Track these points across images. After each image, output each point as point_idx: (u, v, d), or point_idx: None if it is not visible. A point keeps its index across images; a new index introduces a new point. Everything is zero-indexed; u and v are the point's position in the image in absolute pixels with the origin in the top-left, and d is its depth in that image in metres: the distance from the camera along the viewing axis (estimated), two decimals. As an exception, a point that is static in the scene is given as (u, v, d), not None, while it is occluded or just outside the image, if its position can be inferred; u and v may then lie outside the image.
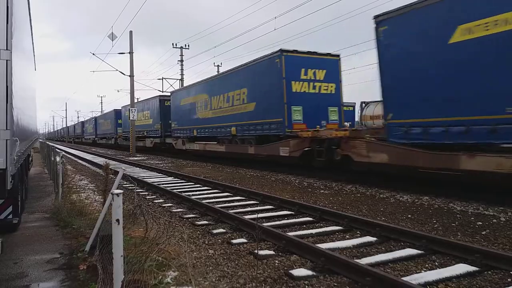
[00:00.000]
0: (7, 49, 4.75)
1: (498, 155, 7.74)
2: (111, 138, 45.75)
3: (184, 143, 24.34)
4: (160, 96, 30.47)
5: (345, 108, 17.80)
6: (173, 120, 26.48)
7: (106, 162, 7.07)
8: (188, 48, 42.11)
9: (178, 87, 38.10)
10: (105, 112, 53.11)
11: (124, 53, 30.57)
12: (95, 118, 57.98)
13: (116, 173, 5.65)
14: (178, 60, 41.77)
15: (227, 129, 18.91)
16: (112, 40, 29.66)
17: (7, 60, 4.74)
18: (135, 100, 32.12)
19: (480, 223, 6.73)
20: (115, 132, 43.84)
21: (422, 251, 5.11)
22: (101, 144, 52.50)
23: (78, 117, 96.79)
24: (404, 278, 4.08)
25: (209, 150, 21.08)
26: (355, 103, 27.35)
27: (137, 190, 9.54)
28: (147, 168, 18.48)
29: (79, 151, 38.33)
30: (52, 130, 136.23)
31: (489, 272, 4.42)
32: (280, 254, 5.17)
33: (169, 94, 29.19)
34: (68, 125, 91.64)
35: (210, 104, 20.90)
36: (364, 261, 4.70)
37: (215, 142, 20.48)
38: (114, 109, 45.10)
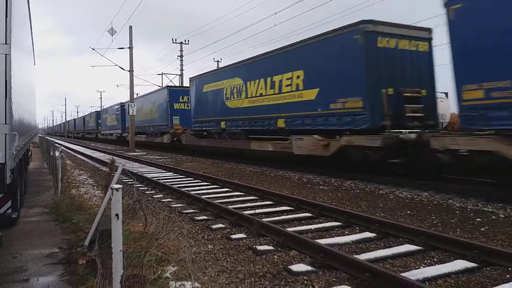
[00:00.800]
0: (6, 43, 4.73)
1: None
2: (159, 133, 28.30)
3: None
4: (363, 23, 11.06)
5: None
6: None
7: (111, 158, 7.10)
8: (188, 44, 41.91)
9: (178, 83, 37.21)
10: (147, 93, 32.76)
11: (123, 48, 30.48)
12: (121, 105, 39.09)
13: (116, 169, 5.64)
14: (178, 56, 41.70)
15: None
16: (112, 35, 29.55)
17: (6, 55, 4.72)
18: (135, 96, 31.96)
19: (479, 219, 6.74)
20: (169, 124, 26.62)
21: (421, 247, 5.12)
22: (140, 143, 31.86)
23: (77, 112, 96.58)
24: (403, 274, 4.09)
25: None
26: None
27: (136, 185, 9.55)
28: (146, 164, 18.48)
29: (79, 146, 38.32)
30: (54, 124, 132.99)
31: (488, 268, 4.43)
32: (279, 249, 5.17)
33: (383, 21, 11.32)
34: (71, 118, 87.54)
35: None
36: (363, 256, 4.71)
37: None
38: (168, 86, 30.02)
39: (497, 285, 3.99)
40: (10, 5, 4.80)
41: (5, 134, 4.70)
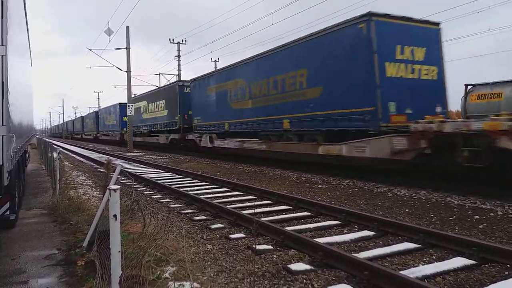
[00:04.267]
0: (2, 45, 4.72)
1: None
2: (115, 133, 41.45)
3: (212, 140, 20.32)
4: (179, 81, 26.20)
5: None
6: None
7: (107, 158, 7.10)
8: (185, 44, 41.86)
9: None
10: (110, 105, 44.31)
11: (120, 48, 30.43)
12: (96, 112, 52.12)
13: (114, 169, 5.63)
14: (175, 56, 41.65)
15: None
16: (109, 36, 29.47)
17: (2, 56, 4.71)
18: (132, 96, 31.93)
19: (478, 216, 6.76)
20: (119, 128, 38.03)
21: (420, 245, 5.13)
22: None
23: (75, 113, 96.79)
24: (402, 272, 4.10)
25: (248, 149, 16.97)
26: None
27: (135, 186, 9.54)
28: (145, 164, 18.45)
29: (77, 147, 38.22)
30: (52, 126, 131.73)
31: (486, 265, 4.44)
32: (278, 248, 5.17)
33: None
34: (69, 118, 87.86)
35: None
36: (362, 255, 4.71)
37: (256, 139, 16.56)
38: (120, 103, 38.06)
39: (496, 282, 4.00)
40: (6, 6, 4.79)
41: (2, 135, 4.69)
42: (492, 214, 6.92)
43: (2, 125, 4.69)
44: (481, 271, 4.30)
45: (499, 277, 4.14)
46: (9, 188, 5.19)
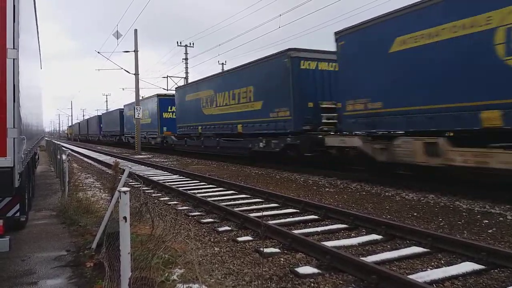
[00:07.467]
0: (14, 48, 4.78)
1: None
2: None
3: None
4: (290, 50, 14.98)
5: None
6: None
7: (115, 160, 7.15)
8: (193, 47, 42.07)
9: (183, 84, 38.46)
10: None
11: (129, 51, 30.64)
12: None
13: (122, 171, 5.67)
14: (183, 59, 41.81)
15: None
16: (117, 39, 29.74)
17: (14, 59, 4.75)
18: (140, 98, 32.16)
19: (487, 221, 6.70)
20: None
21: (428, 249, 5.10)
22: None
23: (83, 115, 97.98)
24: (410, 276, 4.08)
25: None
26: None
27: (143, 188, 9.57)
28: (152, 166, 18.54)
29: (85, 149, 38.50)
30: (66, 127, 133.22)
31: (496, 270, 4.40)
32: (285, 252, 5.18)
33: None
34: (77, 121, 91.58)
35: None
36: (370, 259, 4.70)
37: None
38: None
39: (505, 287, 3.97)
40: (18, 9, 4.85)
41: (14, 138, 4.73)
42: (501, 218, 6.85)
43: (14, 127, 4.73)
44: (490, 276, 4.26)
45: (508, 282, 4.10)
46: (20, 189, 5.23)
